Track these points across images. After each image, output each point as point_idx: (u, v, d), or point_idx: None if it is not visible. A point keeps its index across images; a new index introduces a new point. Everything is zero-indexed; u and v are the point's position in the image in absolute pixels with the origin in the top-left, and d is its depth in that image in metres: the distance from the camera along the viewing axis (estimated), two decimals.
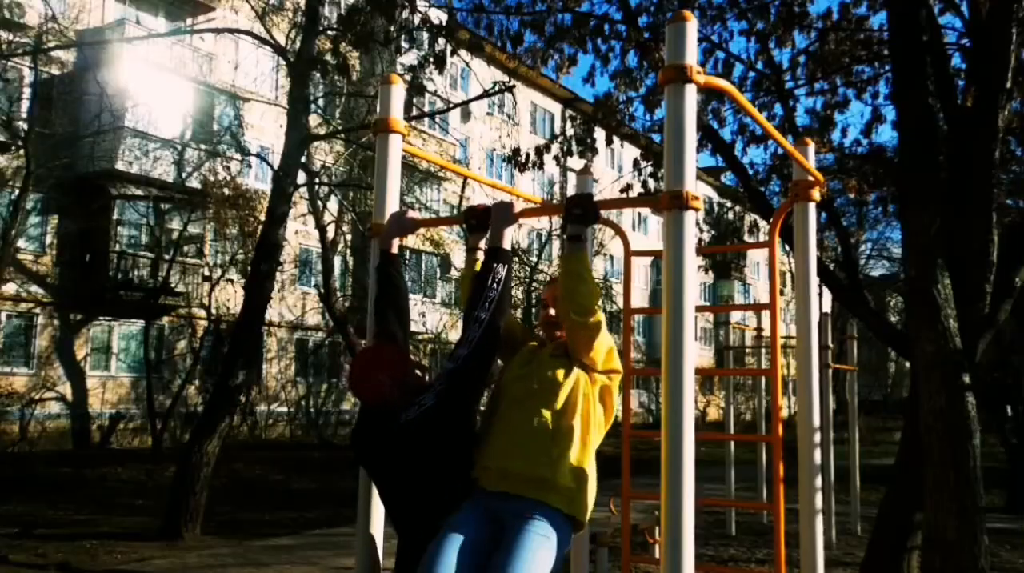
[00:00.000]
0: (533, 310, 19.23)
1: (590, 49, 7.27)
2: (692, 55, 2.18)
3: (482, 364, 2.69)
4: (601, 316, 2.67)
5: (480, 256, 2.97)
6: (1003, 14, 5.01)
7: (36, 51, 14.11)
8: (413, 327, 22.22)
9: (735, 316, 28.83)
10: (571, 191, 19.93)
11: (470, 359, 2.64)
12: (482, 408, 2.94)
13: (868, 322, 6.72)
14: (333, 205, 18.32)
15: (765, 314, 11.60)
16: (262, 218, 11.61)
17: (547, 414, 2.63)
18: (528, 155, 7.60)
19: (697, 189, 2.19)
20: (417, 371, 2.82)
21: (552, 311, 2.85)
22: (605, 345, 2.69)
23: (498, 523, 2.56)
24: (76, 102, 17.51)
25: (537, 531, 2.50)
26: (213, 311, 17.85)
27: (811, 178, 3.52)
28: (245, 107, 20.84)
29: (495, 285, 2.68)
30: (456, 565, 2.42)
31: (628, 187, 8.49)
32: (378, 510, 2.86)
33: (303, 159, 10.50)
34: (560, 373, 2.68)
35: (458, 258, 20.25)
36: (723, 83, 2.62)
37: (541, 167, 7.78)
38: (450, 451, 2.69)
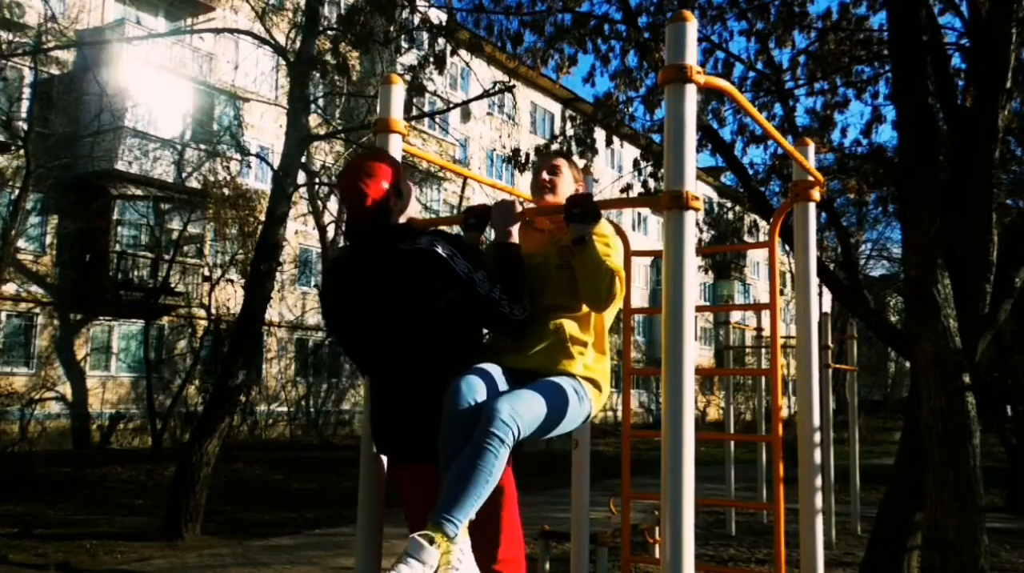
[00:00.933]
0: None
1: (590, 49, 7.28)
2: (692, 55, 2.18)
3: (480, 309, 2.54)
4: (620, 275, 2.64)
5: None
6: (1003, 14, 5.01)
7: (36, 51, 14.12)
8: None
9: (735, 316, 28.82)
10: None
11: (481, 303, 2.51)
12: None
13: (868, 322, 6.72)
14: (333, 205, 18.33)
15: (765, 314, 11.60)
16: (262, 218, 11.62)
17: (563, 324, 2.66)
18: (528, 155, 7.60)
19: (697, 189, 2.19)
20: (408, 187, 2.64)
21: (545, 175, 2.88)
22: (619, 295, 2.67)
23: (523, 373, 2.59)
24: (76, 102, 17.50)
25: (558, 382, 2.56)
26: (213, 311, 17.85)
27: (811, 178, 3.52)
28: (245, 107, 20.85)
29: (523, 266, 2.63)
30: (485, 392, 2.42)
31: (628, 187, 8.49)
32: (378, 510, 2.86)
33: (303, 159, 10.50)
34: (570, 289, 2.67)
35: None
36: (723, 83, 2.61)
37: None
38: (447, 298, 2.49)
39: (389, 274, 2.53)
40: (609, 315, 2.83)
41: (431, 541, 2.15)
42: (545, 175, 2.91)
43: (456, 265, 2.49)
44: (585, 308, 2.72)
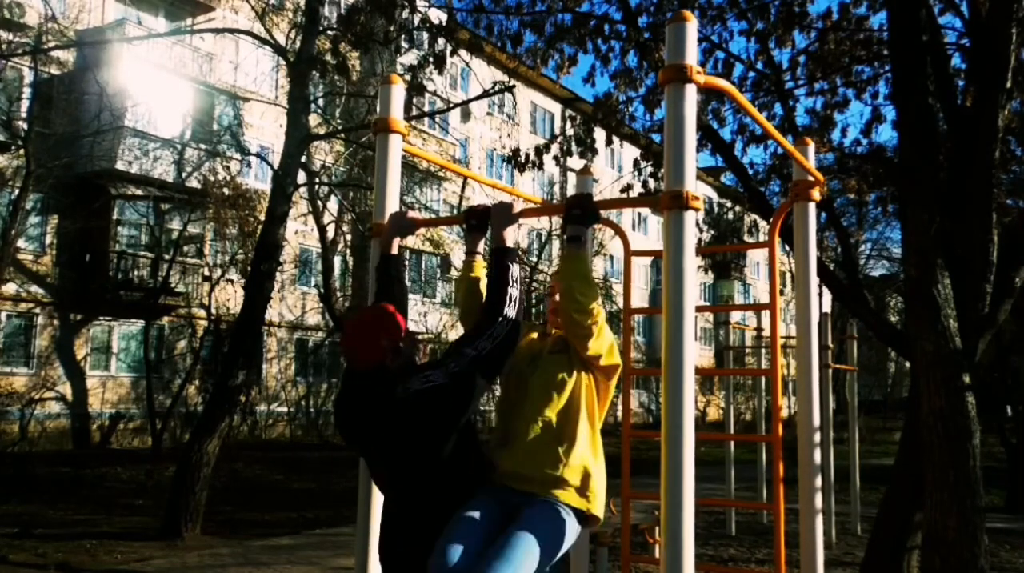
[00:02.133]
0: (533, 310, 19.22)
1: (590, 49, 7.27)
2: (692, 55, 2.19)
3: (502, 360, 2.65)
4: (602, 313, 2.68)
5: (478, 259, 2.96)
6: (1003, 14, 5.01)
7: (36, 51, 14.11)
8: (413, 327, 22.07)
9: (735, 316, 28.81)
10: (571, 191, 19.93)
11: (493, 353, 2.60)
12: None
13: (868, 322, 6.72)
14: (333, 205, 18.33)
15: (765, 314, 11.60)
16: (262, 218, 11.61)
17: (551, 414, 2.65)
18: (528, 155, 7.60)
19: (697, 189, 2.19)
20: (413, 342, 2.73)
21: (558, 297, 2.87)
22: (606, 341, 2.71)
23: (509, 512, 2.57)
24: (76, 102, 17.50)
25: (547, 511, 2.55)
26: (213, 311, 17.85)
27: (811, 178, 3.52)
28: (245, 107, 20.85)
29: (515, 283, 2.67)
30: (470, 544, 2.43)
31: (628, 187, 8.49)
32: (378, 510, 2.86)
33: (303, 159, 10.50)
34: (562, 372, 2.70)
35: (458, 258, 20.26)
36: (723, 83, 2.62)
37: (541, 167, 7.78)
38: (448, 436, 2.59)
39: (387, 423, 2.58)
40: (602, 400, 2.80)
41: None
42: (558, 297, 2.88)
43: (438, 395, 2.53)
44: (574, 397, 2.68)
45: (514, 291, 2.65)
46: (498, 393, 2.93)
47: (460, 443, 2.62)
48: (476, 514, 2.53)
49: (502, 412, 2.79)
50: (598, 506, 2.68)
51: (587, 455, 2.67)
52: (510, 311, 2.63)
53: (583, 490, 2.64)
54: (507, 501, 2.60)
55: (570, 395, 2.68)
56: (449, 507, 2.58)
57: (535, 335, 2.94)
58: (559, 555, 2.58)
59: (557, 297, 2.87)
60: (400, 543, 2.65)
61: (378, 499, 2.85)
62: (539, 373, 2.72)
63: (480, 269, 2.96)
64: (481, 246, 2.99)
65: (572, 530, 2.60)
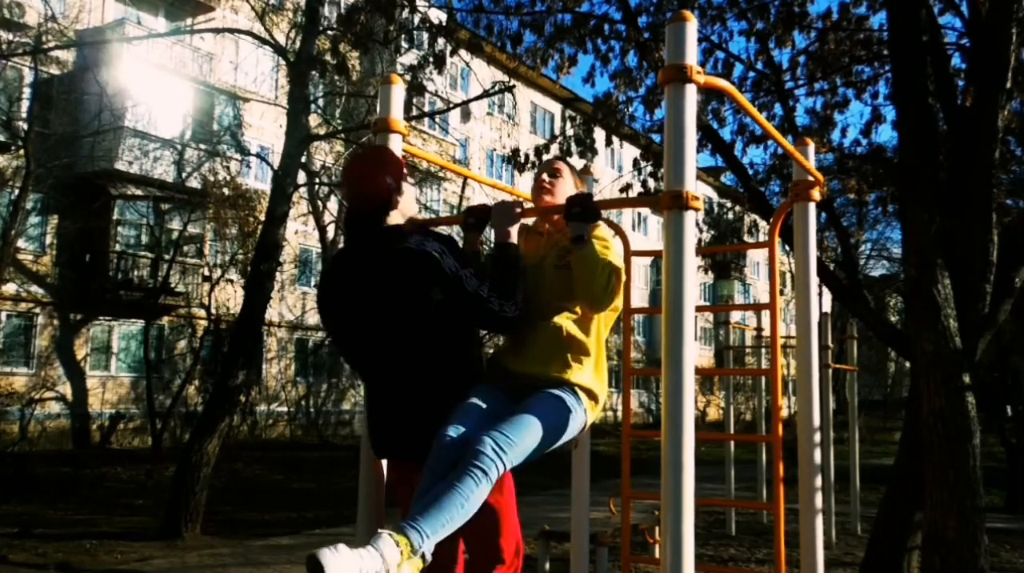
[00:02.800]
0: None
1: (590, 49, 7.27)
2: (692, 55, 2.18)
3: (471, 310, 2.55)
4: (618, 269, 2.68)
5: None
6: (1003, 14, 5.01)
7: (36, 51, 14.11)
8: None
9: (735, 316, 28.79)
10: None
11: (476, 302, 2.52)
12: None
13: (868, 322, 6.72)
14: (333, 205, 18.33)
15: (765, 314, 11.60)
16: (262, 218, 11.62)
17: (562, 323, 2.68)
18: (527, 155, 7.60)
19: (697, 189, 2.19)
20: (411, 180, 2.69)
21: (547, 198, 2.89)
22: (620, 275, 2.70)
23: (517, 399, 2.60)
24: (76, 102, 17.51)
25: (555, 398, 2.59)
26: (213, 311, 17.86)
27: (811, 178, 3.52)
28: (245, 107, 20.85)
29: (521, 276, 2.64)
30: (475, 421, 2.45)
31: (628, 187, 8.49)
32: (378, 510, 2.86)
33: (303, 159, 10.50)
34: (568, 289, 2.69)
35: None
36: (723, 83, 2.62)
37: None
38: (436, 308, 2.49)
39: (381, 274, 2.54)
40: (607, 319, 2.84)
41: (396, 543, 2.12)
42: (545, 177, 2.93)
43: (444, 262, 2.50)
44: (583, 310, 2.73)
45: (521, 285, 2.63)
46: None
47: (452, 320, 2.54)
48: (482, 398, 2.55)
49: None
50: (598, 411, 2.75)
51: (594, 364, 2.73)
52: (513, 310, 2.59)
53: (591, 394, 2.70)
54: (515, 389, 2.63)
55: (575, 313, 2.72)
56: (439, 386, 2.52)
57: (531, 238, 2.93)
58: (559, 442, 2.60)
59: (544, 176, 2.91)
60: (389, 427, 2.60)
61: (378, 499, 2.85)
62: (547, 285, 2.73)
63: None
64: (478, 247, 2.98)
65: (577, 421, 2.64)
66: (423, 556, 2.16)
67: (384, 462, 2.82)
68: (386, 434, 2.65)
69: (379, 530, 2.14)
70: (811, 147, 3.61)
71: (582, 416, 2.66)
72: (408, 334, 2.54)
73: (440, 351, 2.58)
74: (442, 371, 2.57)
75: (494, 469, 2.30)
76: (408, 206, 2.71)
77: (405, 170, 2.69)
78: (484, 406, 2.53)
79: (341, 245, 2.75)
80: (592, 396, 2.71)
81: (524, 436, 2.42)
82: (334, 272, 2.71)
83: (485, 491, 2.30)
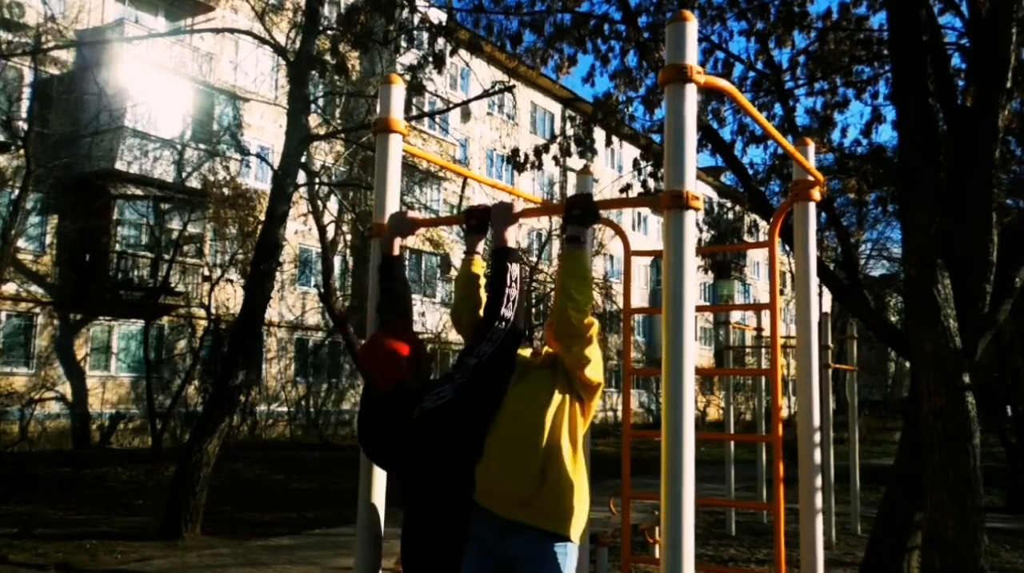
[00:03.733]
0: (533, 310, 19.21)
1: (590, 49, 7.27)
2: (692, 55, 2.18)
3: (506, 363, 2.68)
4: (595, 324, 2.63)
5: (477, 258, 2.95)
6: (1003, 14, 5.01)
7: (36, 51, 14.11)
8: (413, 327, 22.06)
9: (735, 316, 28.82)
10: (571, 191, 19.93)
11: (496, 356, 2.62)
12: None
13: (868, 322, 6.71)
14: (333, 205, 18.30)
15: (765, 314, 11.60)
16: (262, 218, 11.61)
17: (536, 434, 2.59)
18: (527, 155, 7.60)
19: (697, 189, 2.19)
20: (428, 359, 2.85)
21: (554, 294, 2.87)
22: (595, 352, 2.64)
23: (506, 564, 2.59)
24: (76, 102, 17.50)
25: (546, 565, 2.56)
26: (213, 311, 17.85)
27: (811, 178, 3.52)
28: (245, 107, 20.85)
29: (513, 284, 2.67)
30: None
31: (628, 187, 8.49)
32: (378, 509, 2.86)
33: (303, 159, 10.49)
34: (545, 389, 2.64)
35: (458, 258, 20.20)
36: (723, 83, 2.62)
37: (540, 167, 7.78)
38: (465, 446, 2.65)
39: (405, 440, 2.67)
40: (587, 412, 2.76)
41: None
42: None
43: (450, 403, 2.61)
44: (557, 414, 2.63)
45: (512, 291, 2.66)
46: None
47: (472, 447, 2.67)
48: None
49: (494, 427, 2.71)
50: (578, 527, 2.63)
51: (568, 475, 2.59)
52: (507, 312, 2.63)
53: (562, 511, 2.58)
54: (498, 551, 2.59)
55: (552, 412, 2.61)
56: (460, 514, 2.67)
57: (527, 354, 2.88)
58: None
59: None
60: (418, 550, 2.75)
61: (378, 499, 2.86)
62: (523, 388, 2.68)
63: (479, 267, 2.95)
64: (481, 246, 2.98)
65: (571, 560, 2.61)
66: None
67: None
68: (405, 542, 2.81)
69: None
70: (811, 147, 3.61)
71: (574, 552, 2.63)
72: (437, 484, 2.73)
73: (464, 482, 2.69)
74: (449, 499, 2.72)
75: None
76: (424, 366, 2.84)
77: (415, 345, 2.79)
78: None
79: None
80: (576, 521, 2.62)
81: None
82: (362, 424, 2.84)
83: None
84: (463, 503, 2.67)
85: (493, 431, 2.65)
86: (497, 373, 2.66)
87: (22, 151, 14.89)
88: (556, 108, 32.04)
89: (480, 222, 2.90)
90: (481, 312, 2.78)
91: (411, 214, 3.03)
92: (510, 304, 2.64)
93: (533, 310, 19.14)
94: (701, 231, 11.71)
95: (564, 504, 2.59)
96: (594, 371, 2.64)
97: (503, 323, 2.63)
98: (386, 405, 2.69)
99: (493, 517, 2.60)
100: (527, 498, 2.55)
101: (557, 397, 2.63)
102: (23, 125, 15.42)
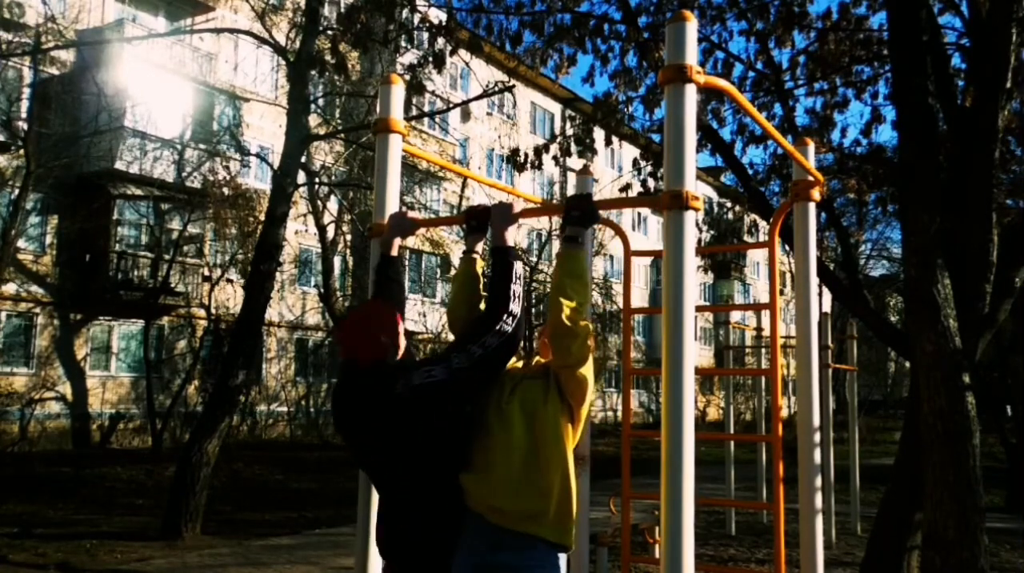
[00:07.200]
0: (533, 310, 19.21)
1: (589, 49, 7.27)
2: (692, 55, 2.18)
3: (505, 358, 2.62)
4: (589, 327, 2.62)
5: (476, 258, 2.95)
6: (1003, 14, 5.01)
7: (36, 51, 14.12)
8: (413, 327, 22.23)
9: (735, 316, 28.81)
10: (571, 191, 19.92)
11: (500, 350, 2.57)
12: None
13: (868, 322, 6.72)
14: (333, 205, 18.32)
15: (765, 314, 11.60)
16: (262, 218, 11.62)
17: (526, 443, 2.57)
18: (526, 155, 7.60)
19: (697, 189, 2.19)
20: (409, 339, 2.75)
21: (550, 293, 2.85)
22: (587, 354, 2.61)
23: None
24: (75, 102, 17.50)
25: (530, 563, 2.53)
26: (213, 311, 17.85)
27: (811, 178, 3.52)
28: (245, 107, 20.85)
29: (518, 280, 2.65)
30: None
31: (628, 187, 8.49)
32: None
33: (303, 159, 10.50)
34: (538, 399, 2.62)
35: (458, 258, 20.19)
36: (723, 83, 2.61)
37: (540, 167, 7.78)
38: (446, 433, 2.56)
39: (386, 419, 2.56)
40: (577, 421, 2.72)
41: None
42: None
43: (436, 386, 2.52)
44: (550, 424, 2.62)
45: (517, 288, 2.64)
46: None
47: (456, 442, 2.60)
48: None
49: (475, 436, 2.68)
50: (571, 536, 2.64)
51: (560, 484, 2.58)
52: (515, 307, 2.60)
53: (559, 521, 2.58)
54: (494, 558, 2.56)
55: (545, 422, 2.59)
56: (442, 506, 2.58)
57: (519, 364, 2.85)
58: None
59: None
60: (394, 540, 2.64)
61: (378, 499, 2.85)
62: (516, 399, 2.65)
63: (478, 267, 2.95)
64: (480, 246, 2.98)
65: (559, 565, 2.61)
66: None
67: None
68: (385, 538, 2.71)
69: None
70: (811, 147, 3.61)
71: (561, 560, 2.62)
72: (400, 471, 2.61)
73: (427, 480, 2.61)
74: (429, 496, 2.62)
75: None
76: (403, 348, 2.72)
77: (400, 326, 2.70)
78: None
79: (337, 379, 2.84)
80: (561, 523, 2.60)
81: None
82: (336, 403, 2.75)
83: None
84: (448, 508, 2.59)
85: (489, 440, 2.60)
86: (493, 370, 2.61)
87: (22, 151, 14.90)
88: (556, 108, 32.04)
89: (480, 222, 2.90)
90: (483, 305, 2.75)
91: (411, 214, 3.01)
92: (516, 300, 2.61)
93: (533, 310, 19.13)
94: (701, 231, 11.71)
95: (566, 514, 2.59)
96: (587, 370, 2.63)
97: (511, 319, 2.58)
98: (366, 381, 2.58)
99: (487, 526, 2.56)
100: (534, 511, 2.53)
101: (552, 407, 2.61)
102: (23, 125, 15.43)
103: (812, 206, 3.52)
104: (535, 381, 2.67)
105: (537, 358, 2.88)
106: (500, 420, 2.62)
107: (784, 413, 7.27)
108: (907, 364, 9.23)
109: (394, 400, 2.51)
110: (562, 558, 2.62)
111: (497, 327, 2.57)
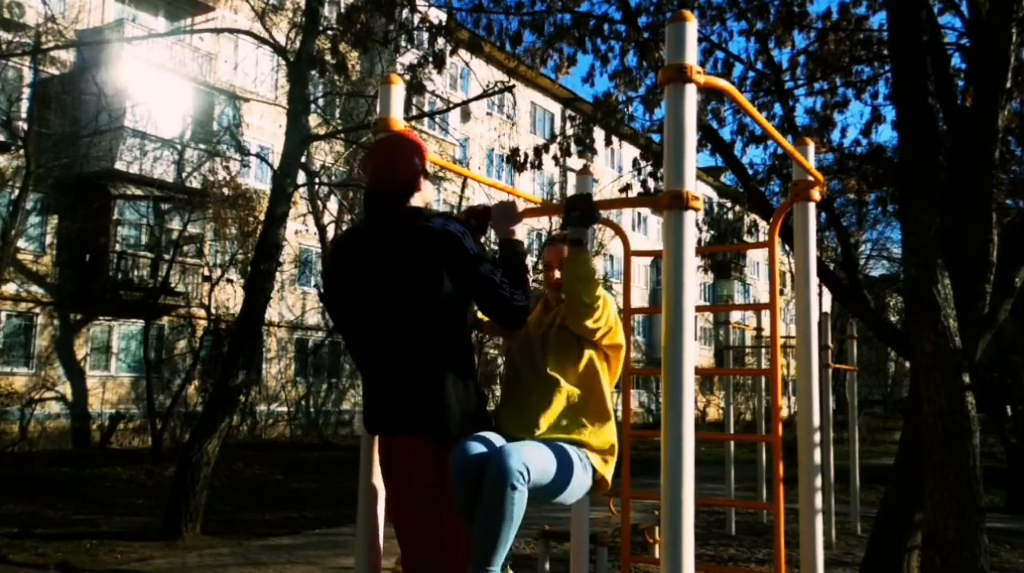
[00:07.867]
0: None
1: (589, 49, 7.27)
2: (692, 55, 2.18)
3: (504, 310, 2.54)
4: (609, 303, 2.72)
5: None
6: (1003, 14, 5.01)
7: (36, 51, 14.12)
8: None
9: (735, 316, 28.79)
10: (571, 191, 19.93)
11: (515, 295, 2.52)
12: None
13: (868, 322, 6.72)
14: (333, 205, 18.33)
15: (765, 314, 11.60)
16: (262, 218, 11.62)
17: (563, 389, 2.68)
18: (526, 155, 7.60)
19: (697, 189, 2.19)
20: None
21: (556, 274, 2.88)
22: (611, 323, 2.75)
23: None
24: (75, 102, 17.51)
25: (571, 451, 2.61)
26: (213, 311, 17.85)
27: (811, 178, 3.52)
28: (245, 107, 20.85)
29: (529, 271, 2.64)
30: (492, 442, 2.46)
31: (628, 187, 8.49)
32: (378, 510, 2.86)
33: (303, 159, 10.50)
34: (573, 348, 2.73)
35: None
36: (723, 83, 2.61)
37: (540, 167, 7.79)
38: (461, 292, 2.49)
39: (400, 251, 2.51)
40: (613, 369, 2.86)
41: None
42: (556, 273, 2.91)
43: (466, 241, 2.51)
44: (587, 371, 2.75)
45: (529, 278, 2.65)
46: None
47: (458, 311, 2.54)
48: (489, 434, 2.54)
49: (511, 385, 2.79)
50: (611, 471, 2.78)
51: (604, 424, 2.74)
52: (522, 299, 2.56)
53: (604, 454, 2.72)
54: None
55: (584, 369, 2.73)
56: (437, 365, 2.49)
57: (539, 306, 2.95)
58: (568, 489, 2.59)
59: (556, 273, 2.90)
60: (390, 393, 2.55)
61: (378, 498, 2.85)
62: (551, 348, 2.75)
63: None
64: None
65: (585, 482, 2.66)
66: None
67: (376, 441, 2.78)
68: (382, 407, 2.60)
69: None
70: (811, 147, 3.61)
71: (590, 474, 2.68)
72: (415, 310, 2.50)
73: (442, 331, 2.53)
74: (441, 351, 2.53)
75: (522, 480, 2.32)
76: (429, 192, 2.72)
77: (426, 157, 2.70)
78: (493, 437, 2.53)
79: (347, 227, 2.75)
80: (599, 452, 2.72)
81: (542, 459, 2.46)
82: (347, 247, 2.67)
83: (524, 499, 2.34)
84: (457, 364, 2.51)
85: (526, 388, 2.71)
86: (477, 288, 2.50)
87: (22, 151, 14.90)
88: (556, 108, 32.04)
89: (481, 221, 2.90)
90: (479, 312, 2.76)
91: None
92: (529, 293, 2.60)
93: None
94: (701, 231, 11.71)
95: (605, 449, 2.74)
96: (613, 337, 2.78)
97: (521, 295, 2.54)
98: (399, 202, 2.50)
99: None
100: (564, 433, 2.65)
101: (587, 355, 2.76)
102: (23, 125, 15.43)
103: (812, 206, 3.51)
104: (565, 332, 2.76)
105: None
106: (536, 369, 2.73)
107: (784, 413, 7.26)
108: (907, 364, 9.23)
109: (426, 230, 2.47)
110: (590, 468, 2.68)
111: (514, 290, 2.53)
